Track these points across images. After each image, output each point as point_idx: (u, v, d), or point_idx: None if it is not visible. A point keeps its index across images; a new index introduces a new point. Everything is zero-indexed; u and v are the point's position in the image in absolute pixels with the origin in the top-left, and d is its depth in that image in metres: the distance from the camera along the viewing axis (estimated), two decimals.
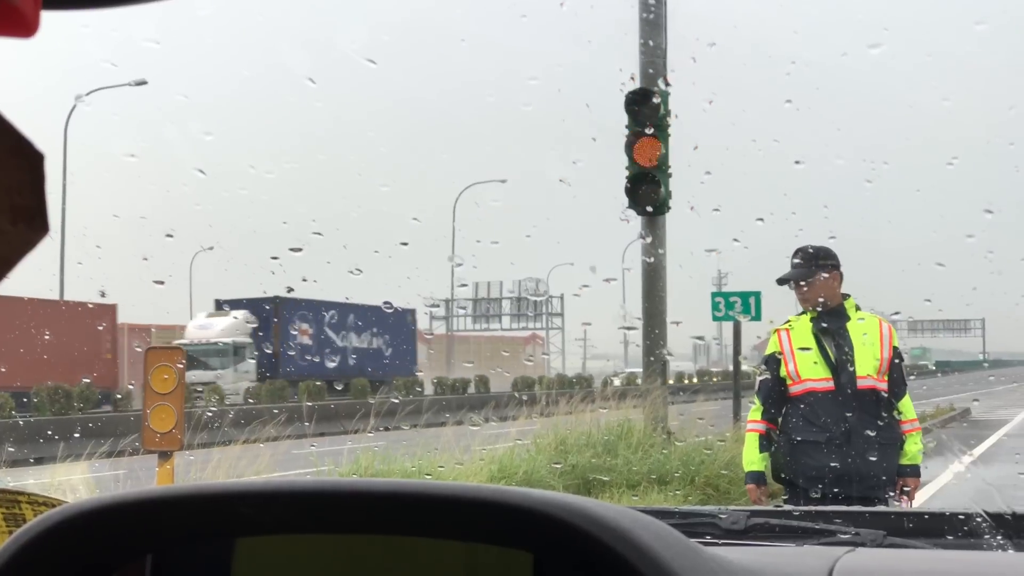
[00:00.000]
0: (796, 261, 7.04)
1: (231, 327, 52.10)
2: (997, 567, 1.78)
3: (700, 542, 1.49)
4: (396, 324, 60.81)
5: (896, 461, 6.93)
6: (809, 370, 6.92)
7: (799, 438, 6.89)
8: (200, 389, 42.35)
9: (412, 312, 63.29)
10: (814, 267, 6.96)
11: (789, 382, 6.98)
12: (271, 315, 52.81)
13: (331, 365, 54.47)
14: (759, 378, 7.26)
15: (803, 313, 7.10)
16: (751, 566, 1.52)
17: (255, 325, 52.87)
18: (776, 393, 7.04)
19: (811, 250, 7.08)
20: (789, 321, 7.15)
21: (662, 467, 14.35)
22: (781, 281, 7.10)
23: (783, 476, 7.03)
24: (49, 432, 24.86)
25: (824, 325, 6.96)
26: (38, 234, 0.87)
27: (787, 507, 3.20)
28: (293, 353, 53.26)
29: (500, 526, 1.42)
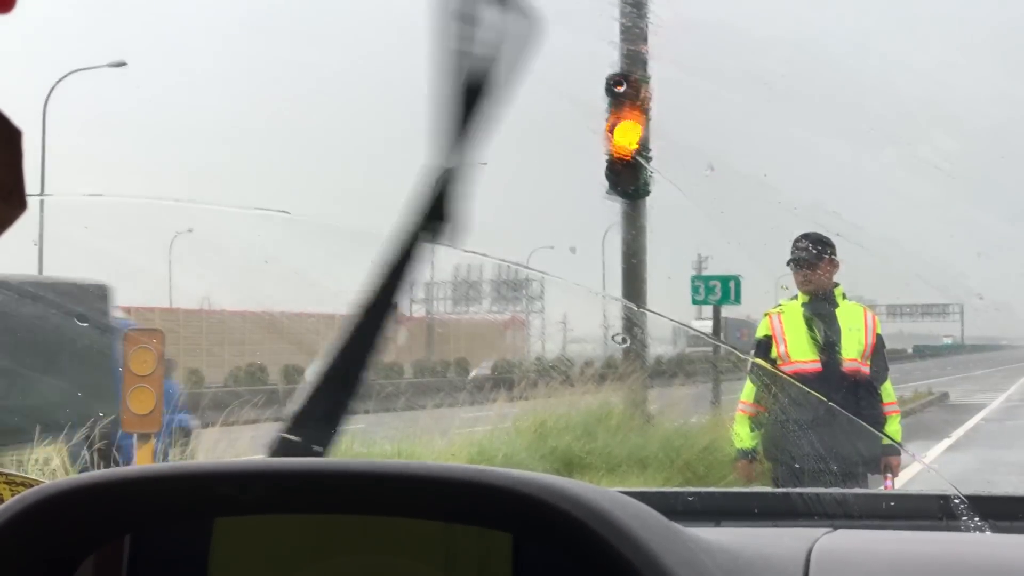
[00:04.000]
0: (803, 245, 7.20)
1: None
2: (975, 548, 1.79)
3: (679, 523, 1.49)
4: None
5: (877, 441, 7.11)
6: (799, 352, 7.12)
7: (787, 417, 7.07)
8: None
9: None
10: (822, 254, 7.15)
11: (779, 363, 7.16)
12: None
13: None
14: (751, 360, 7.44)
15: (794, 298, 7.30)
16: (730, 547, 1.52)
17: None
18: (768, 375, 7.20)
19: (816, 237, 7.29)
20: (780, 305, 7.36)
21: (642, 450, 14.36)
22: (795, 263, 7.21)
23: (770, 455, 7.25)
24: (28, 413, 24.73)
25: (815, 310, 7.13)
26: (16, 211, 0.87)
27: (766, 489, 3.22)
28: None
29: (479, 506, 1.42)
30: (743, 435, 7.32)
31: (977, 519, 2.12)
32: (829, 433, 7.02)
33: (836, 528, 1.92)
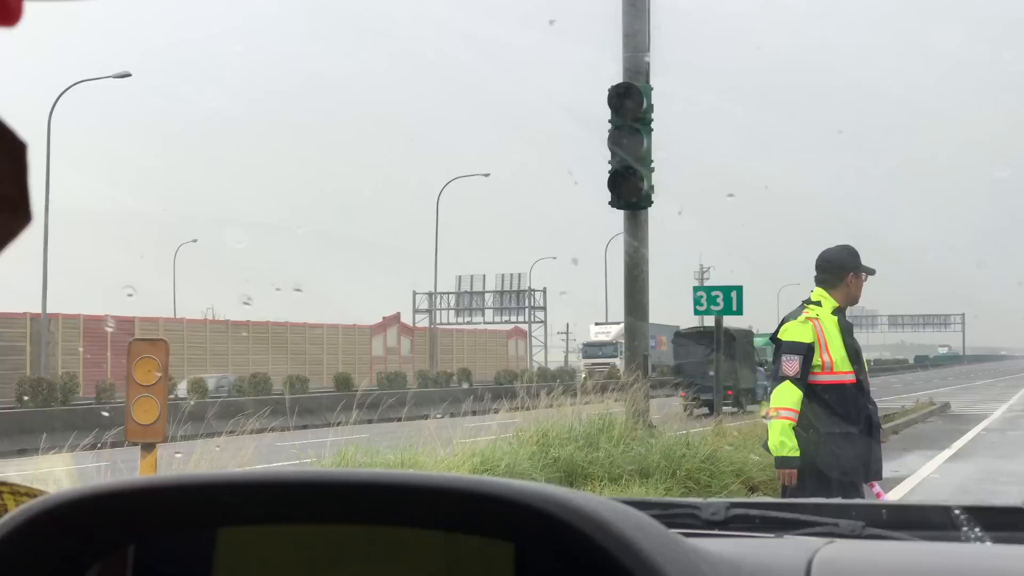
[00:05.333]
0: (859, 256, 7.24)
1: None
2: (975, 559, 1.79)
3: (680, 533, 1.50)
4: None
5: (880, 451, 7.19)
6: (841, 362, 7.07)
7: (833, 430, 7.01)
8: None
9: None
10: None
11: (818, 371, 7.06)
12: None
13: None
14: (788, 363, 7.18)
15: (812, 304, 7.22)
16: (731, 557, 1.53)
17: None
18: (805, 381, 7.13)
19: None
20: (813, 310, 7.20)
21: (644, 460, 14.37)
22: (865, 272, 7.24)
23: (805, 464, 7.14)
24: (32, 423, 24.81)
25: (844, 322, 7.19)
26: (21, 223, 0.88)
27: (767, 498, 3.22)
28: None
29: (481, 517, 1.42)
30: (794, 444, 7.04)
31: (977, 530, 2.12)
32: (866, 445, 7.02)
33: (837, 538, 1.92)
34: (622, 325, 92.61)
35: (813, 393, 7.08)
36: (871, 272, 7.27)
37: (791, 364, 7.14)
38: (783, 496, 6.98)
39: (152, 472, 9.53)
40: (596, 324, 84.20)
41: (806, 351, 7.13)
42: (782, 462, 7.12)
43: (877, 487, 7.16)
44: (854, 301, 7.27)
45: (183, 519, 1.56)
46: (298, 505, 1.50)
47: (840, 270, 7.25)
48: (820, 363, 7.07)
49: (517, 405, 17.60)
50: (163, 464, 10.43)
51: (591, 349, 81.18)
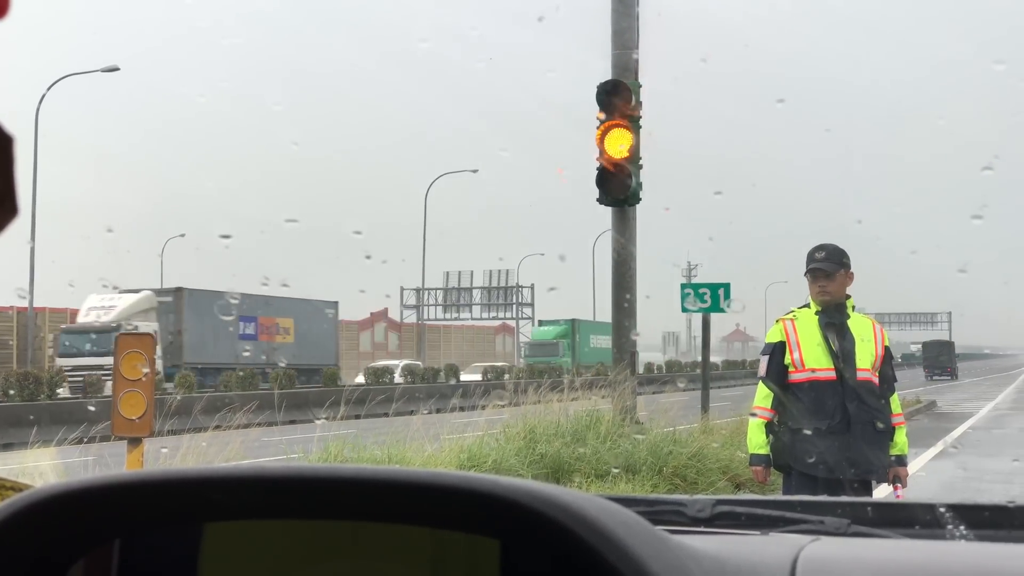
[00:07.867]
0: (821, 256, 7.21)
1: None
2: (958, 556, 1.80)
3: (666, 530, 1.50)
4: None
5: (887, 449, 7.21)
6: (813, 360, 7.15)
7: (801, 424, 7.12)
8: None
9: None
10: (839, 264, 7.16)
11: (791, 369, 7.21)
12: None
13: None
14: (761, 364, 7.41)
15: (805, 306, 7.30)
16: (716, 554, 1.53)
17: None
18: (780, 381, 7.25)
19: (833, 248, 7.32)
20: (792, 312, 7.35)
21: (631, 457, 14.36)
22: (812, 273, 7.19)
23: (782, 462, 7.24)
24: (18, 418, 24.75)
25: (829, 319, 7.21)
26: (7, 217, 0.87)
27: (753, 495, 3.22)
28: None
29: (467, 513, 1.42)
30: (759, 441, 7.30)
31: (963, 528, 2.13)
32: (843, 442, 7.05)
33: (822, 536, 1.92)
34: (142, 295, 47.36)
35: (791, 391, 7.21)
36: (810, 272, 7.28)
37: (761, 364, 7.45)
38: (785, 494, 7.08)
39: (138, 467, 9.51)
40: (107, 292, 49.63)
41: (771, 351, 7.35)
42: (750, 459, 7.42)
43: (900, 490, 7.24)
44: (817, 300, 7.28)
45: (169, 514, 1.56)
46: (284, 500, 1.50)
47: None
48: (790, 361, 7.24)
49: (505, 401, 17.58)
50: (150, 459, 10.41)
51: (73, 339, 47.81)
